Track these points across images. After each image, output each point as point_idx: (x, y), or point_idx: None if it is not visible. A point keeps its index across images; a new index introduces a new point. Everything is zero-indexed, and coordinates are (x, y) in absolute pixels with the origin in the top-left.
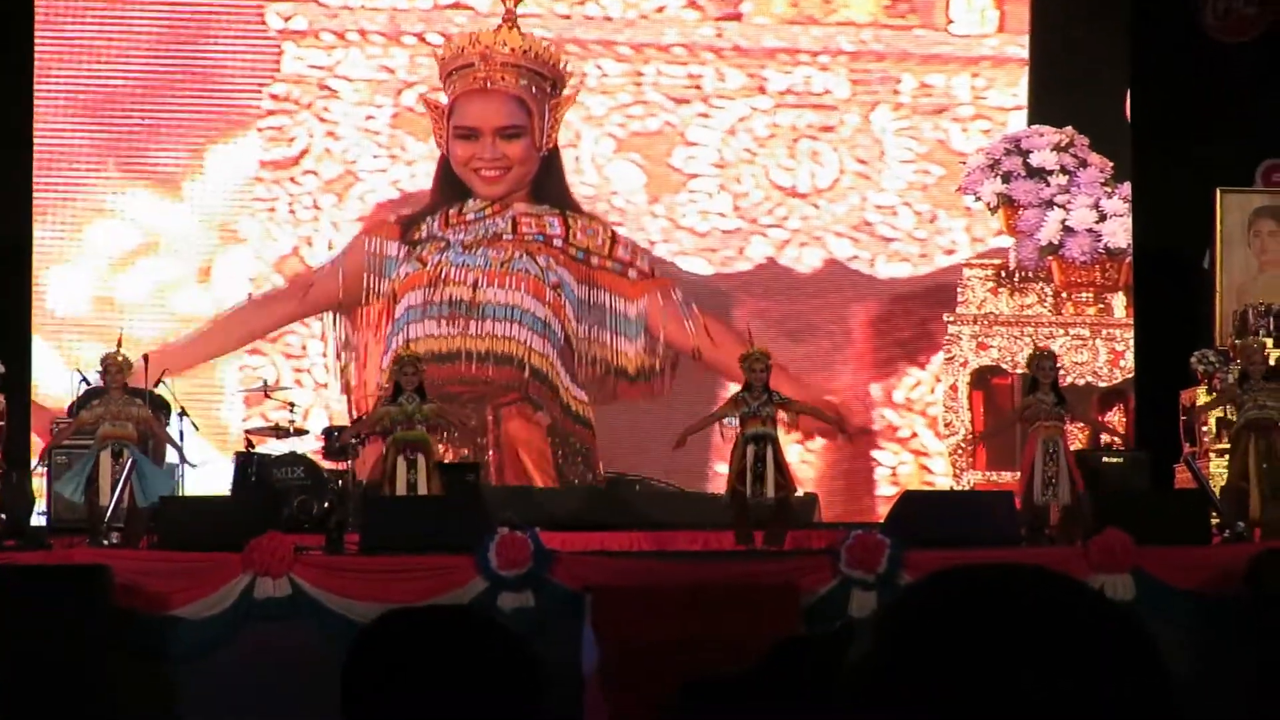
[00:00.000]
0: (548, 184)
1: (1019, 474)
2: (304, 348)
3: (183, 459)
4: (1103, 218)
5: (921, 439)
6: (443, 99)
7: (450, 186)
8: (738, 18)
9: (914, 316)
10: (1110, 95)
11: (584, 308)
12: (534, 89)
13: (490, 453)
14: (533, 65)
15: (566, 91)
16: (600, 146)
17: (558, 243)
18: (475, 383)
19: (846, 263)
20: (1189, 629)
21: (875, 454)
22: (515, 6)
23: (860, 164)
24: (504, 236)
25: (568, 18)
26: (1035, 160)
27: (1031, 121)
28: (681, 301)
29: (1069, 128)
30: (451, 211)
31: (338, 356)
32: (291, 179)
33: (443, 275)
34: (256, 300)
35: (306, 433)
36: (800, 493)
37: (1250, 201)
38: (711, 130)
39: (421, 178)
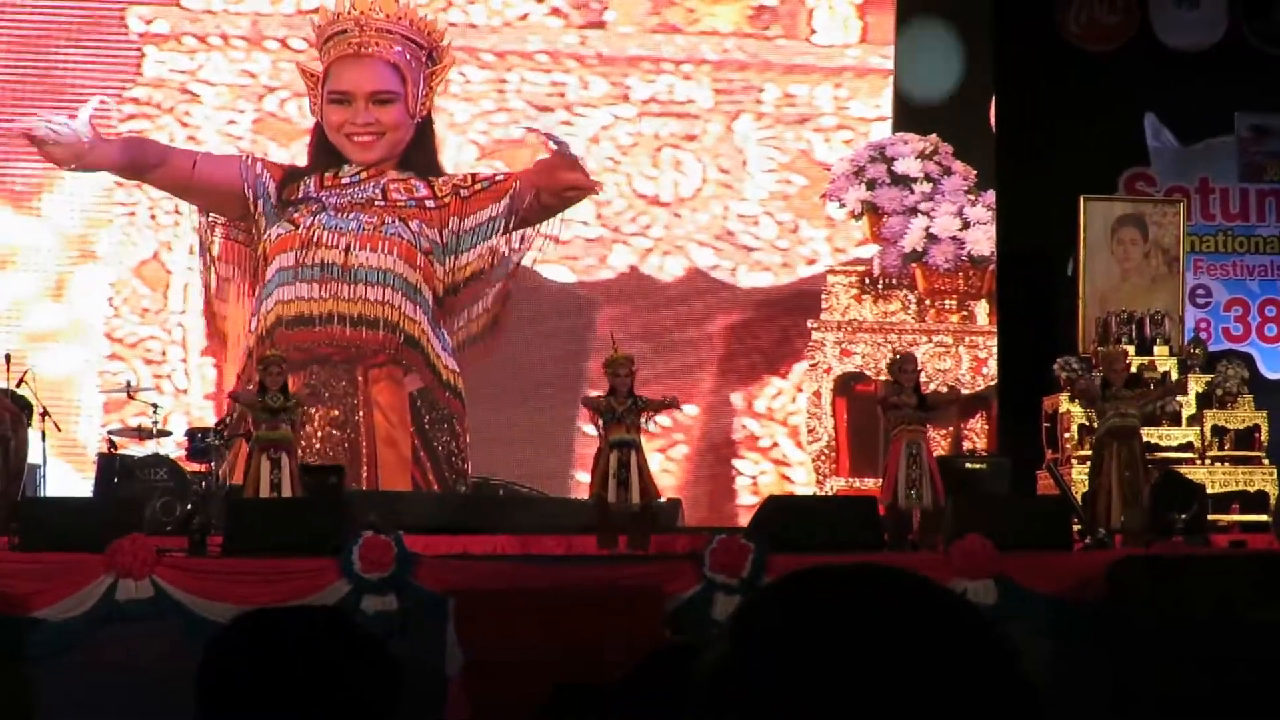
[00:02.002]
0: (417, 154)
1: (882, 479)
2: (164, 353)
3: None
4: (966, 225)
5: (782, 448)
6: (318, 67)
7: (325, 154)
8: (601, 26)
9: (775, 326)
10: (974, 105)
11: (460, 239)
12: (409, 56)
13: (360, 414)
14: (408, 33)
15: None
16: (463, 153)
17: (430, 204)
18: (347, 345)
19: (709, 272)
20: (1050, 634)
21: (736, 463)
22: None
23: (723, 173)
24: (375, 203)
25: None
26: (900, 168)
27: (895, 131)
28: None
29: (933, 135)
30: (327, 175)
31: (204, 266)
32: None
33: (314, 238)
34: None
35: (170, 434)
36: (663, 499)
37: (1113, 209)
38: (575, 138)
39: None
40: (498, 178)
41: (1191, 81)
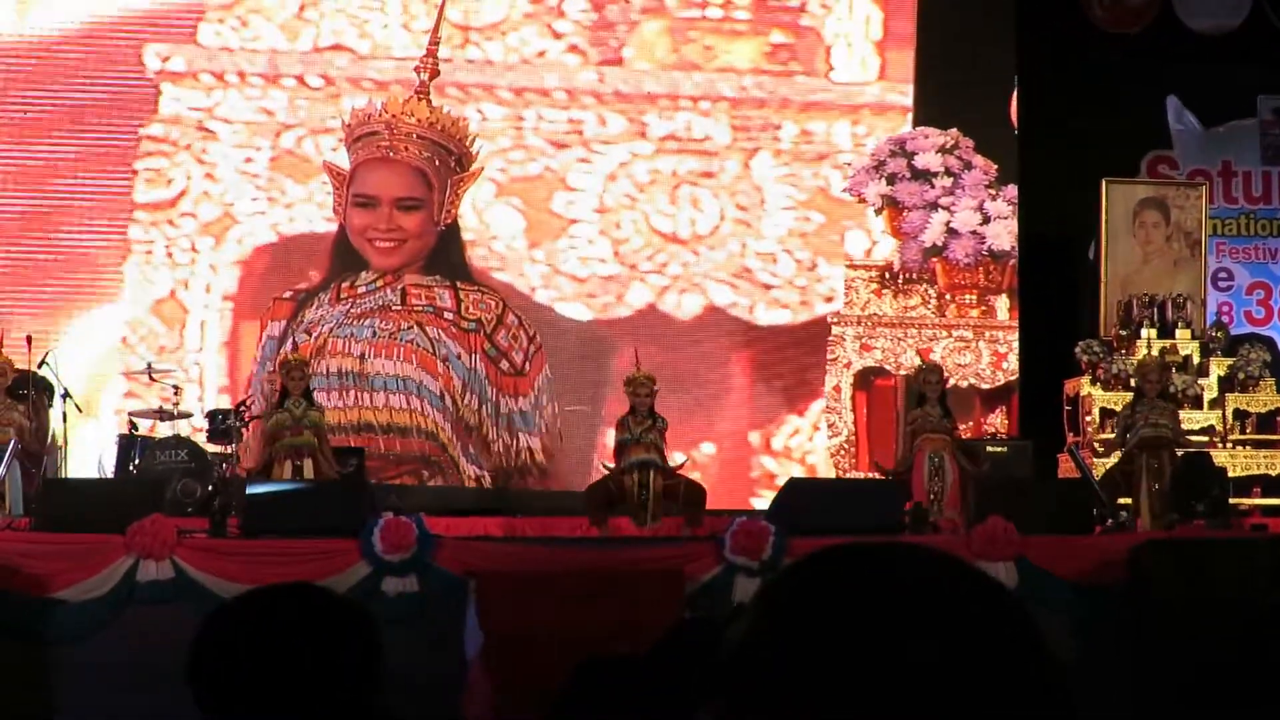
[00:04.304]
0: (443, 258)
1: (910, 484)
2: (179, 391)
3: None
4: (986, 220)
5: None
6: (345, 166)
7: (344, 257)
8: (619, 63)
9: (793, 364)
10: (995, 98)
11: (476, 379)
12: (437, 162)
13: None
14: (438, 138)
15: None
16: (480, 191)
17: (449, 315)
18: (372, 457)
19: (726, 309)
20: (1070, 617)
21: (753, 500)
22: (430, 79)
23: (740, 210)
24: (393, 308)
25: (449, 61)
26: (920, 162)
27: (916, 125)
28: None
29: (954, 130)
30: (344, 285)
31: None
32: (169, 221)
33: (325, 346)
34: None
35: (190, 416)
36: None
37: (1135, 192)
38: (592, 175)
39: (300, 221)
40: (502, 364)
41: (1214, 65)
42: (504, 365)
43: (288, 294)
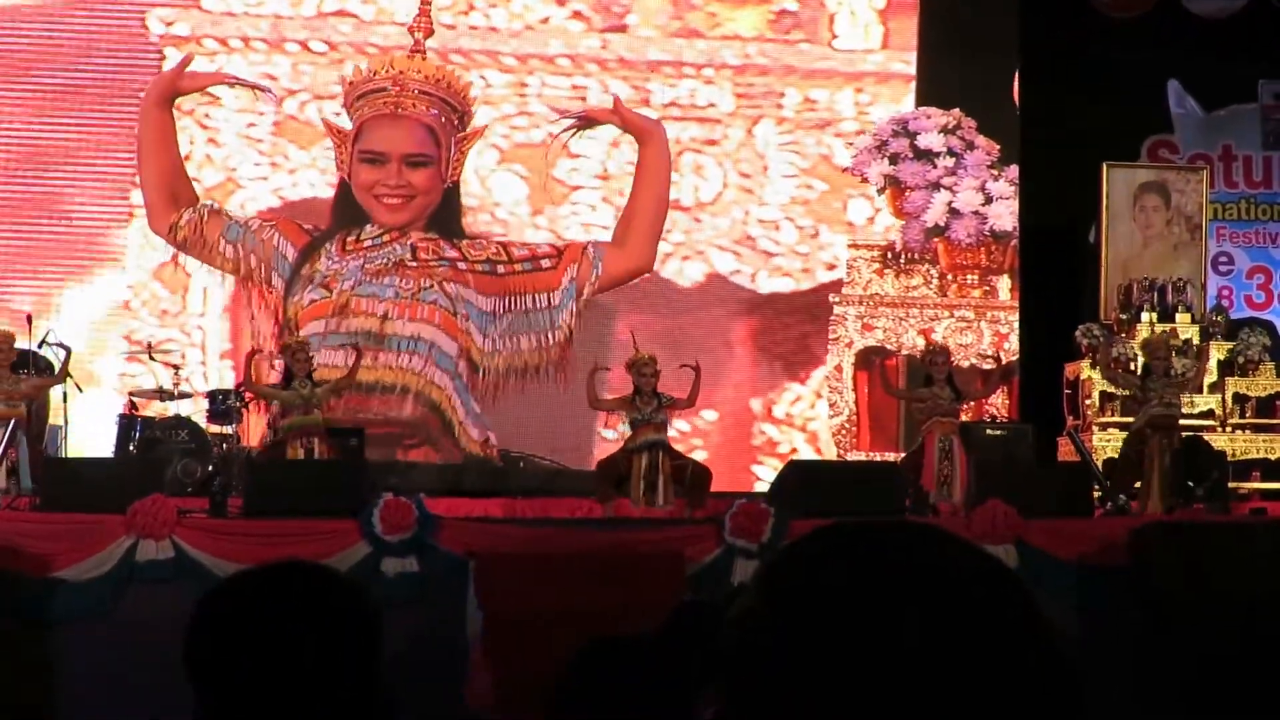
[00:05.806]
0: (442, 216)
1: (920, 471)
2: (183, 356)
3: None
4: (989, 200)
5: (801, 455)
6: (345, 123)
7: (346, 211)
8: (623, 30)
9: (795, 331)
10: (999, 80)
11: (498, 320)
12: (444, 119)
13: None
14: (445, 95)
15: (473, 126)
16: (484, 158)
17: (461, 265)
18: (377, 422)
19: (729, 277)
20: (1071, 601)
21: (754, 468)
22: (425, 39)
23: (743, 178)
24: (408, 263)
25: (452, 28)
26: (922, 142)
27: (920, 104)
28: (594, 255)
29: (956, 110)
30: (349, 239)
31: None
32: None
33: (349, 305)
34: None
35: (190, 396)
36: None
37: (1135, 176)
38: (595, 142)
39: (303, 186)
40: (543, 263)
41: (1215, 48)
42: (545, 264)
43: (309, 226)
